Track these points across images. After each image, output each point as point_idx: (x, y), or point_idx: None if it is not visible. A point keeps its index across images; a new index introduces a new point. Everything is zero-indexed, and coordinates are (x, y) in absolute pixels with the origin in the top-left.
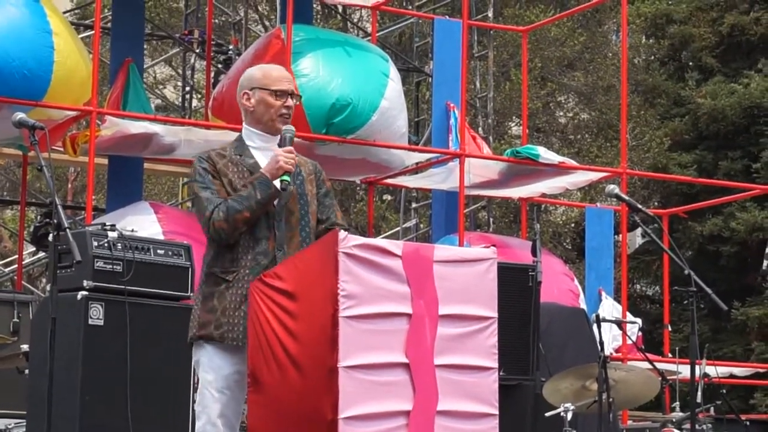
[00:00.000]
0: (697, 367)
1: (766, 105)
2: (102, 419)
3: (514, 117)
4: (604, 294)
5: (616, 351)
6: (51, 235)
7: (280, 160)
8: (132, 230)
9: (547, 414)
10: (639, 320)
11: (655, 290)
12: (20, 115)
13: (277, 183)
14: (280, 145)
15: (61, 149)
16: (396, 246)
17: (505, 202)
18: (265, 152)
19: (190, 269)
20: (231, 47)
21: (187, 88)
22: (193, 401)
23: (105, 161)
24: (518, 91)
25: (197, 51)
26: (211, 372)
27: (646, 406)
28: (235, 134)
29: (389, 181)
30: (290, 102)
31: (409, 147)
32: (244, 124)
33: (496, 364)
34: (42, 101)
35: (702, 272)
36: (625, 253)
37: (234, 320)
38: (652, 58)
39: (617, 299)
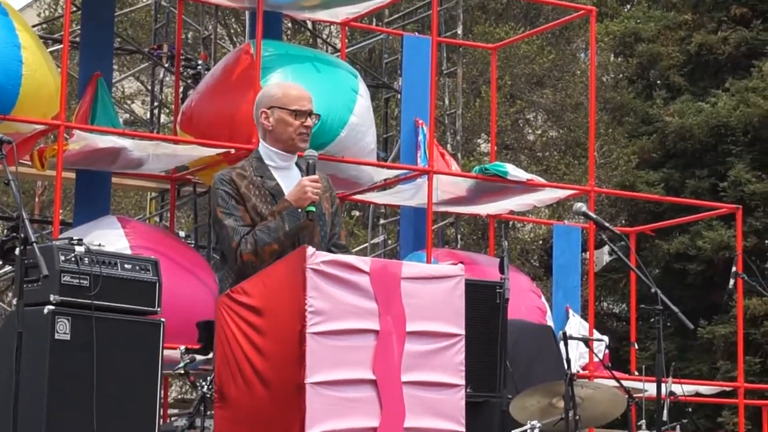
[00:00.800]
0: (663, 385)
1: (734, 124)
2: None
3: (482, 134)
4: (571, 311)
5: (583, 368)
6: (18, 249)
7: (308, 190)
8: (99, 245)
9: (514, 431)
10: (606, 338)
11: (622, 308)
12: None
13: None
14: (306, 173)
15: (29, 163)
16: (364, 262)
17: (474, 219)
18: (285, 172)
19: (157, 284)
20: (200, 62)
21: (156, 103)
22: (160, 416)
23: (72, 175)
24: (487, 108)
25: (166, 66)
26: None
27: (612, 423)
28: (202, 149)
29: (357, 197)
30: (309, 122)
31: (377, 163)
32: (261, 142)
33: (463, 381)
34: (10, 115)
35: (669, 290)
36: (593, 271)
37: None
38: (621, 76)
39: (584, 317)
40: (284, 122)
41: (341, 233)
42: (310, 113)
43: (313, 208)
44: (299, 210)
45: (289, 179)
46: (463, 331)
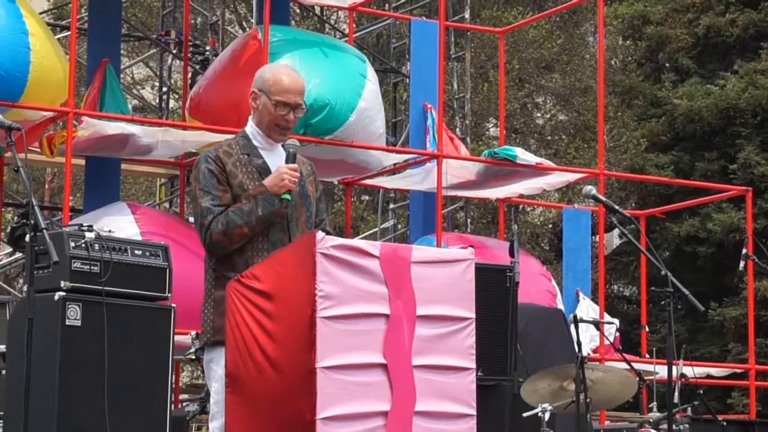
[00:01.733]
0: (674, 368)
1: (742, 106)
2: (79, 420)
3: (491, 118)
4: (581, 294)
5: (594, 351)
6: (28, 235)
7: (285, 178)
8: (109, 231)
9: (525, 414)
10: (616, 321)
11: (633, 291)
12: None
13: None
14: (286, 161)
15: (38, 150)
16: (374, 247)
17: (483, 203)
18: (271, 151)
19: (167, 270)
20: (208, 48)
21: (164, 89)
22: (171, 401)
23: (82, 162)
24: (496, 92)
25: (174, 52)
26: None
27: (623, 406)
28: (211, 135)
29: (367, 181)
30: (290, 116)
31: (386, 148)
32: (249, 119)
33: (473, 365)
34: (18, 102)
35: (679, 273)
36: (603, 254)
37: None
38: (629, 59)
39: (594, 300)
40: (266, 110)
41: (327, 220)
42: (295, 106)
43: (288, 196)
44: (275, 197)
45: (275, 157)
46: (473, 315)
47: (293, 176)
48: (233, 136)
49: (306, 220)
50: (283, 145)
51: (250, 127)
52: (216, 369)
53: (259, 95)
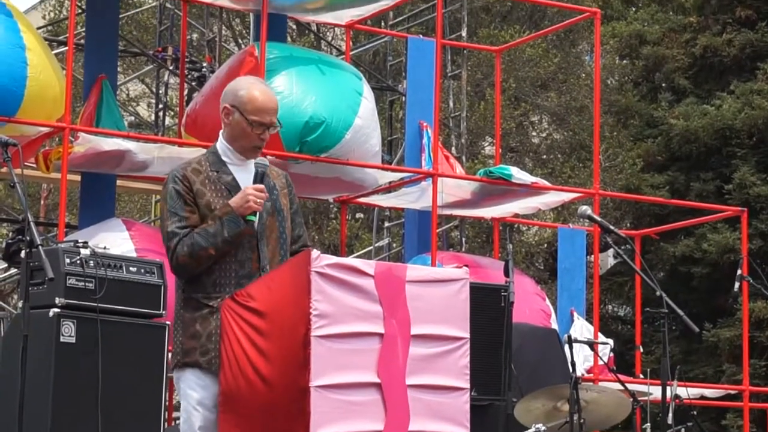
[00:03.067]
0: (668, 389)
1: (738, 126)
2: None
3: (487, 137)
4: (576, 314)
5: (588, 372)
6: (23, 251)
7: (250, 199)
8: (104, 247)
9: None
10: (611, 341)
11: (627, 311)
12: None
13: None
14: (254, 181)
15: (34, 165)
16: (368, 265)
17: (478, 222)
18: (242, 167)
19: (162, 287)
20: (205, 65)
21: (161, 106)
22: (165, 419)
23: (78, 178)
24: (492, 110)
25: (171, 68)
26: (200, 390)
27: (617, 427)
28: None
29: (362, 200)
30: (265, 135)
31: (382, 166)
32: (220, 135)
33: (467, 385)
34: (15, 117)
35: (674, 294)
36: (597, 274)
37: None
38: (626, 78)
39: (589, 320)
40: (240, 128)
41: (305, 235)
42: (269, 126)
43: (253, 218)
44: (240, 217)
45: (245, 173)
46: (467, 335)
47: (258, 197)
48: (204, 151)
49: (278, 237)
50: (255, 164)
51: (221, 143)
52: (185, 388)
53: (232, 111)
